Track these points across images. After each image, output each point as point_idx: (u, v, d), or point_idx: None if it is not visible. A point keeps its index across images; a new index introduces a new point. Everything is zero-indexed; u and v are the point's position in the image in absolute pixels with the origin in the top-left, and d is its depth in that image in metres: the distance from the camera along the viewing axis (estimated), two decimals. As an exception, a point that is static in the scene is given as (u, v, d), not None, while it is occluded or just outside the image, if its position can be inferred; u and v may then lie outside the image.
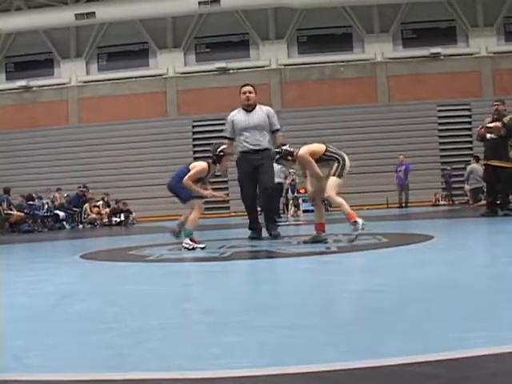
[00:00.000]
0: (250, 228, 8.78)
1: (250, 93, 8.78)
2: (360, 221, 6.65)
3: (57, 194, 23.67)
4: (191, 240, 6.98)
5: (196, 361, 2.00)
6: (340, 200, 6.86)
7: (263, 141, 8.65)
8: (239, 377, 1.79)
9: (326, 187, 6.90)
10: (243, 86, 8.95)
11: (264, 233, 8.64)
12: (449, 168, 27.06)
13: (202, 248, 6.89)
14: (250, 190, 8.76)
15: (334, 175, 6.91)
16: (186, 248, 6.87)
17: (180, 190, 7.22)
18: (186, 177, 7.07)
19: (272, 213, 9.07)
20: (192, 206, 7.22)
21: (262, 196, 8.90)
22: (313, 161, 6.99)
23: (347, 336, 2.28)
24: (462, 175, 25.71)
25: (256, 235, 8.57)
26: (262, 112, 8.77)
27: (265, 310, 2.98)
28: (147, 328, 2.63)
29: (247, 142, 8.64)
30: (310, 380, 1.75)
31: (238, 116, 8.79)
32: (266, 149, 8.59)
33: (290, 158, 7.14)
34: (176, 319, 2.80)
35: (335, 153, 7.03)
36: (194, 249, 6.83)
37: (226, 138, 8.88)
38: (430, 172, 27.65)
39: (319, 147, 7.08)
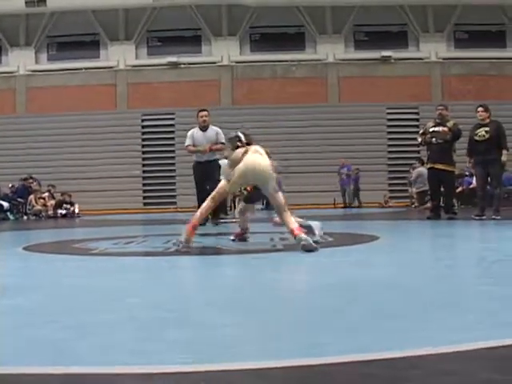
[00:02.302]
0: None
1: (206, 116, 11.34)
2: (182, 239, 5.87)
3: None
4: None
5: (138, 356, 2.00)
6: (199, 212, 6.22)
7: (214, 154, 11.35)
8: (180, 372, 1.79)
9: None
10: (201, 110, 11.49)
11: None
12: (356, 170, 26.84)
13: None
14: (203, 188, 10.75)
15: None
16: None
17: None
18: None
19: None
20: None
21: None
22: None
23: (289, 334, 2.30)
24: (405, 179, 26.05)
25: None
26: (213, 131, 11.31)
27: (210, 306, 2.99)
28: (90, 322, 2.61)
29: (203, 154, 11.17)
30: (247, 377, 1.77)
31: (196, 133, 11.32)
32: (215, 159, 11.35)
33: (238, 144, 6.54)
34: (120, 314, 2.79)
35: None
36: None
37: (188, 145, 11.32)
38: (378, 174, 27.90)
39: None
